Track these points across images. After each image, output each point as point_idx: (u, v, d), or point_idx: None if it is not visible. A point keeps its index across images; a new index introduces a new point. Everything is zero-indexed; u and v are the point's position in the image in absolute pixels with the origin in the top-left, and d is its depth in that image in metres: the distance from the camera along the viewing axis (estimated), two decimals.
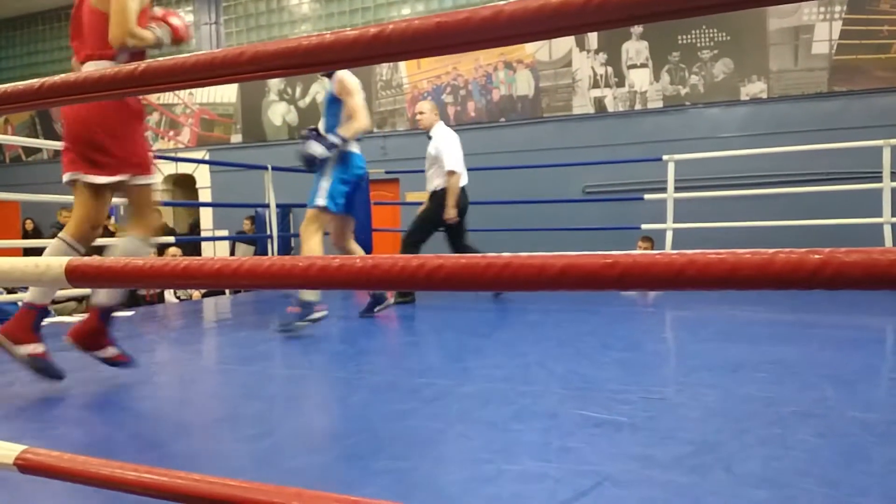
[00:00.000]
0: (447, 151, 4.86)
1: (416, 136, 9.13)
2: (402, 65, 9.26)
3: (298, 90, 10.16)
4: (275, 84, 10.34)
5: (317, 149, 3.59)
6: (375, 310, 4.26)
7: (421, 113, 5.02)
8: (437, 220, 4.92)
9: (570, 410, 2.11)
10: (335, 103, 3.77)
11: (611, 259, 0.68)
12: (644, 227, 6.40)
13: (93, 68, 2.15)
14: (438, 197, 4.90)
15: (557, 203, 7.61)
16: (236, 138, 10.72)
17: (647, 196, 6.34)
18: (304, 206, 8.54)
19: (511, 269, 0.71)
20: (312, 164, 3.66)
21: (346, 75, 3.72)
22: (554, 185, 7.78)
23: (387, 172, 7.70)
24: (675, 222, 6.12)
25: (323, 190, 3.70)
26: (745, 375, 2.48)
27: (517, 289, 0.73)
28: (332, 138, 3.61)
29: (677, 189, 6.21)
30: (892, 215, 5.46)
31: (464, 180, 4.94)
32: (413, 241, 5.00)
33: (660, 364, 2.90)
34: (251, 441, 1.88)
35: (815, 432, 1.80)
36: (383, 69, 9.43)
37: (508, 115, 8.64)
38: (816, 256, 0.59)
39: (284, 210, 9.54)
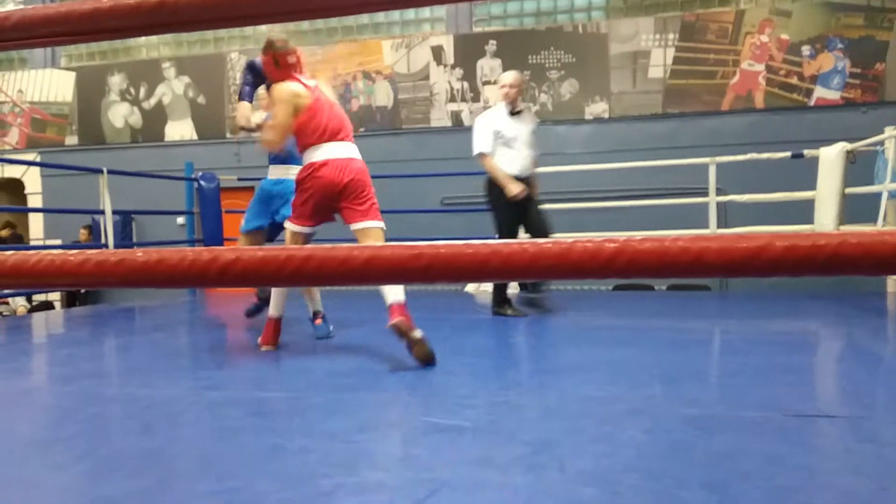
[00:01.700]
0: (535, 135, 4.52)
1: None
2: None
3: (143, 91, 9.54)
4: (116, 83, 9.65)
5: None
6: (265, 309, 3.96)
7: (512, 86, 4.38)
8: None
9: (416, 418, 2.08)
10: None
11: (416, 250, 0.65)
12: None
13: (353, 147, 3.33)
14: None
15: (416, 213, 7.65)
16: (71, 140, 9.88)
17: None
18: (151, 213, 7.94)
19: (314, 261, 0.66)
20: None
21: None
22: (412, 196, 7.82)
23: (240, 180, 7.40)
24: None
25: None
26: (583, 376, 2.57)
27: (321, 283, 0.68)
28: None
29: None
30: (717, 227, 5.98)
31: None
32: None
33: (507, 368, 2.95)
34: (61, 467, 1.68)
35: (643, 428, 1.89)
36: (236, 73, 9.07)
37: (367, 126, 8.59)
38: (612, 245, 0.59)
39: (126, 218, 8.90)
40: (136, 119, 9.60)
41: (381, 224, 3.31)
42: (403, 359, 3.07)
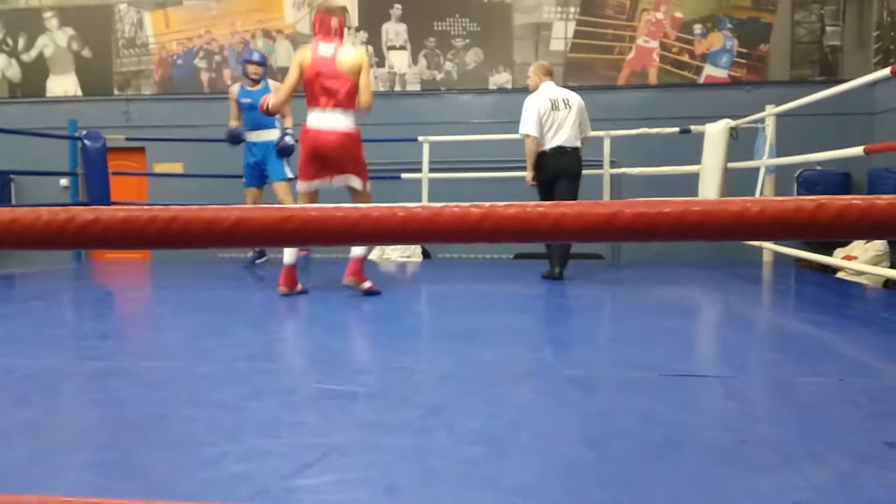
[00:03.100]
0: (522, 116, 4.86)
1: (163, 101, 8.41)
2: (148, 23, 8.44)
3: (22, 42, 8.81)
4: None
5: (291, 140, 5.13)
6: (256, 262, 5.65)
7: (528, 76, 5.09)
8: (538, 185, 4.92)
9: (310, 385, 2.08)
10: None
11: (286, 213, 0.64)
12: (400, 205, 6.57)
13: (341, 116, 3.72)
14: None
15: None
16: None
17: (403, 175, 6.51)
18: (31, 173, 7.42)
19: (178, 223, 0.64)
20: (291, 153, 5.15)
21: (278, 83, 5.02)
22: None
23: (128, 139, 7.01)
24: (429, 201, 6.37)
25: (288, 167, 5.30)
26: (479, 342, 2.64)
27: (186, 246, 0.66)
28: (290, 131, 5.19)
29: (432, 170, 6.47)
30: (610, 198, 6.22)
31: (553, 141, 4.76)
32: None
33: (406, 335, 2.98)
34: None
35: (531, 389, 1.97)
36: (125, 26, 8.52)
37: None
38: (478, 210, 0.61)
39: (3, 178, 8.27)
40: (14, 72, 8.87)
41: (364, 188, 3.87)
42: (302, 327, 3.05)
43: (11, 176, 8.36)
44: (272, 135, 5.35)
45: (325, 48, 3.71)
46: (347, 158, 3.76)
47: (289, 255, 3.93)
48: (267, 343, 2.66)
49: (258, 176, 5.47)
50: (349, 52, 3.75)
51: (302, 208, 0.65)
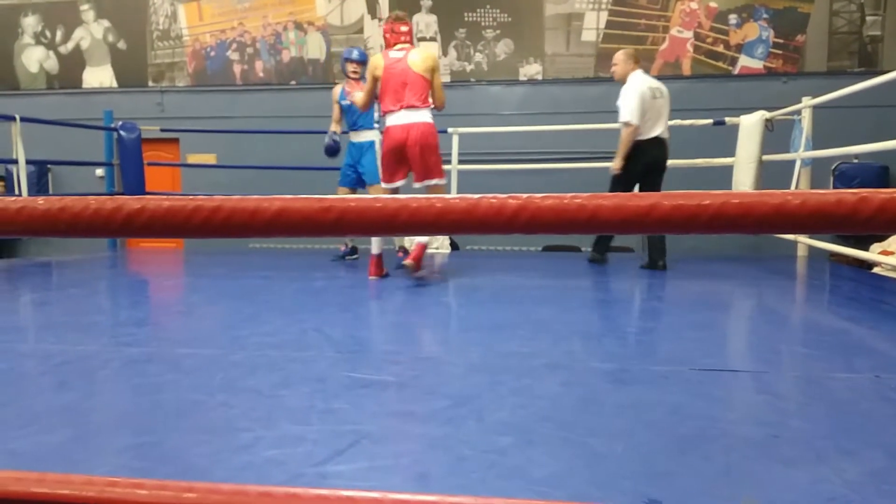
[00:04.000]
0: (623, 102, 4.69)
1: (196, 93, 8.53)
2: (182, 15, 8.55)
3: (59, 34, 8.99)
4: (30, 25, 9.05)
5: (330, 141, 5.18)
6: (347, 258, 5.41)
7: (615, 64, 4.95)
8: (625, 175, 4.72)
9: (340, 373, 2.10)
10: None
11: (327, 203, 0.65)
12: (438, 196, 6.57)
13: (418, 112, 3.97)
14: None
15: None
16: None
17: None
18: (69, 163, 7.62)
19: (222, 212, 0.66)
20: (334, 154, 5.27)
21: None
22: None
23: (163, 130, 7.12)
24: (458, 192, 6.37)
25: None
26: (507, 333, 2.64)
27: (230, 235, 0.67)
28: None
29: (461, 161, 6.46)
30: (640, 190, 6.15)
31: (653, 131, 4.67)
32: None
33: (434, 326, 3.00)
34: None
35: (559, 381, 1.97)
36: (160, 18, 8.64)
37: (299, 79, 8.37)
38: (515, 201, 0.61)
39: (41, 168, 8.46)
40: (51, 64, 9.06)
41: (441, 181, 4.12)
42: (331, 316, 3.08)
43: (49, 166, 8.55)
44: (369, 136, 5.18)
45: (397, 53, 4.02)
46: (425, 149, 3.97)
47: (376, 245, 4.25)
48: (298, 332, 2.70)
49: (352, 176, 5.30)
50: (419, 54, 4.03)
51: (341, 199, 0.66)
